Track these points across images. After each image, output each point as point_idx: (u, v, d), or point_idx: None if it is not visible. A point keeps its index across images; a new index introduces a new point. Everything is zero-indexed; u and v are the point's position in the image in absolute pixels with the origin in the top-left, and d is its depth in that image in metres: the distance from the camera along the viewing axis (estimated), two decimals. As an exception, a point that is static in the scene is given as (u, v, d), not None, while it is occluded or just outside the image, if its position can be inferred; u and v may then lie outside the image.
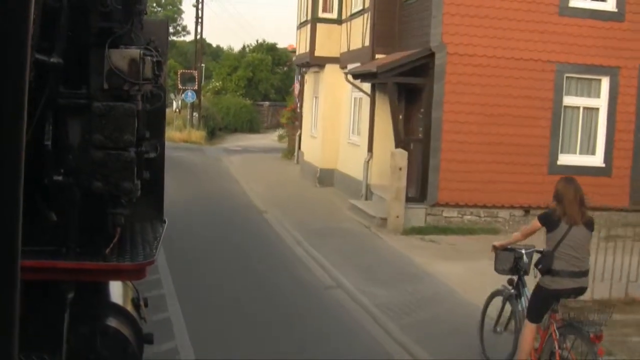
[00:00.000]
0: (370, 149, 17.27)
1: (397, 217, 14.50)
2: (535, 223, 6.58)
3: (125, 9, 2.91)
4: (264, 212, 16.75)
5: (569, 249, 6.24)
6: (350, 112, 19.60)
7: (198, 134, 38.48)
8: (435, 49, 14.83)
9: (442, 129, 14.96)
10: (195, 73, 39.83)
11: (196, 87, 39.78)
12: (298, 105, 32.11)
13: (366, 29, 17.91)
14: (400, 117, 15.80)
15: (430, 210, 15.06)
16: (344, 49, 20.11)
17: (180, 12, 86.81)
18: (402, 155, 14.46)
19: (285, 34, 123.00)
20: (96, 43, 2.84)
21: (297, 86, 34.58)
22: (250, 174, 23.68)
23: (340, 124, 20.54)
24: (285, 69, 63.91)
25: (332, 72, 20.63)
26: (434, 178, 15.00)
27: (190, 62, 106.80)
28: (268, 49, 63.28)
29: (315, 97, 22.53)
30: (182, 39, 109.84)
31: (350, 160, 19.21)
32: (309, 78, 24.99)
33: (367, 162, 17.24)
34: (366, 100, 17.89)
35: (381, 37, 17.07)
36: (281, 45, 64.82)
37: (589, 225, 6.42)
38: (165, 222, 3.88)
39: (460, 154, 14.94)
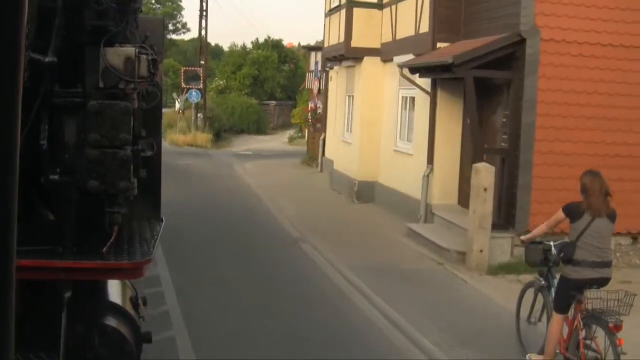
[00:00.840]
0: (430, 160, 13.80)
1: (481, 251, 11.07)
2: (560, 214, 6.64)
3: (120, 8, 2.85)
4: (300, 241, 13.27)
5: (591, 239, 6.32)
6: (397, 113, 16.15)
7: (204, 137, 34.98)
8: (525, 34, 11.36)
9: (535, 138, 11.53)
10: (200, 70, 36.33)
11: (201, 86, 36.27)
12: (318, 105, 28.74)
13: (421, 12, 14.46)
14: (475, 121, 12.34)
15: (518, 240, 11.63)
16: (387, 38, 16.67)
17: (179, 8, 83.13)
18: (488, 172, 11.00)
19: (290, 31, 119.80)
20: (91, 41, 2.80)
21: (316, 84, 31.15)
22: (270, 185, 20.24)
23: (382, 128, 17.11)
24: (291, 66, 60.48)
25: (371, 66, 17.18)
26: (523, 200, 11.54)
27: (190, 60, 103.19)
28: (273, 46, 59.79)
29: (349, 96, 19.02)
30: (181, 37, 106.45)
31: (397, 172, 15.79)
32: (337, 74, 21.56)
33: (426, 176, 13.78)
34: (422, 100, 14.45)
35: (445, 21, 13.63)
36: (287, 42, 61.72)
37: (612, 217, 6.52)
38: (162, 220, 3.84)
39: (557, 170, 11.52)
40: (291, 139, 41.81)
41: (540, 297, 7.14)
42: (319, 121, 25.52)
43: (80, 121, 2.84)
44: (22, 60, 0.97)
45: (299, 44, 62.77)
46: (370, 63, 17.20)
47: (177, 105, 39.73)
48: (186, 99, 36.34)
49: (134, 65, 2.81)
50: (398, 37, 15.96)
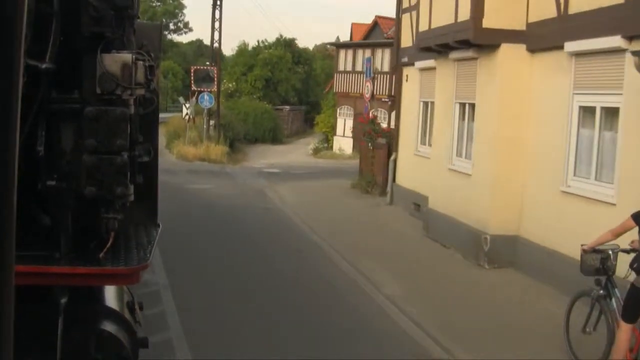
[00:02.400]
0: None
1: None
2: (629, 222, 6.36)
3: (117, 14, 2.79)
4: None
5: None
6: (568, 133, 9.87)
7: (218, 150, 28.59)
8: None
9: None
10: (214, 70, 29.93)
11: (215, 88, 29.90)
12: (370, 112, 22.56)
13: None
14: None
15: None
16: (544, 14, 10.44)
17: (181, 6, 76.60)
18: None
19: (298, 32, 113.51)
20: (88, 48, 2.77)
21: (368, 86, 24.85)
22: (334, 230, 13.92)
23: (532, 155, 10.83)
24: (305, 67, 54.15)
25: (514, 58, 10.89)
26: None
27: (191, 63, 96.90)
28: (286, 45, 53.48)
29: (463, 105, 12.59)
30: (182, 37, 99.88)
31: (568, 225, 9.54)
32: (421, 73, 15.35)
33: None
34: (637, 113, 8.24)
35: None
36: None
37: None
38: (159, 226, 3.69)
39: None
40: (316, 151, 35.52)
41: (597, 306, 6.84)
42: (380, 135, 19.21)
43: (77, 127, 2.77)
44: (21, 67, 0.97)
45: (315, 45, 56.57)
46: (510, 53, 10.89)
47: (185, 111, 33.38)
48: (196, 104, 29.99)
49: (131, 72, 2.75)
50: (573, 10, 9.69)
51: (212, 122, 31.65)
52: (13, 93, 0.94)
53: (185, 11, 77.91)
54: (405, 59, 16.41)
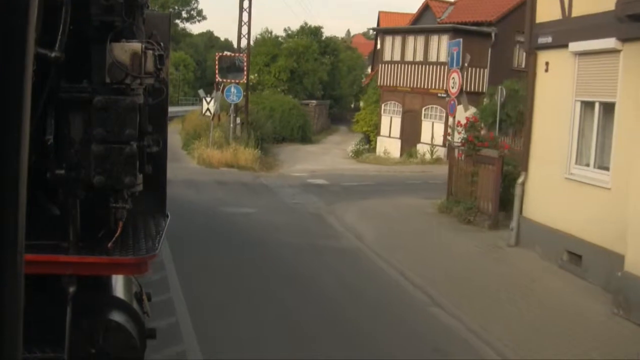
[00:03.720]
0: None
1: None
2: None
3: (126, 3, 2.75)
4: None
5: None
6: None
7: (248, 154, 23.40)
8: None
9: None
10: (243, 58, 24.65)
11: (245, 79, 24.70)
12: (454, 110, 17.48)
13: None
14: None
15: None
16: None
17: (194, -7, 71.33)
18: None
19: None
20: (98, 37, 2.74)
21: (456, 77, 19.67)
22: (469, 300, 8.68)
23: None
24: (331, 58, 48.86)
25: None
26: None
27: (201, 55, 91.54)
28: (311, 33, 48.23)
29: None
30: (195, 25, 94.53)
31: None
32: (587, 59, 10.15)
33: None
34: None
35: None
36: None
37: None
38: (168, 216, 3.62)
39: None
40: (357, 153, 30.31)
41: None
42: (486, 144, 13.97)
43: (86, 117, 2.74)
44: (31, 55, 0.96)
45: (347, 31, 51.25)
46: None
47: (206, 105, 28.20)
48: (221, 98, 24.78)
49: (140, 61, 2.71)
50: None
51: (238, 120, 26.49)
52: (23, 82, 0.94)
53: (198, -2, 72.50)
54: (546, 39, 11.17)
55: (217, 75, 24.79)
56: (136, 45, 2.77)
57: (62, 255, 2.79)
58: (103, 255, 2.83)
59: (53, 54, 2.52)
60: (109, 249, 2.84)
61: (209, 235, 12.31)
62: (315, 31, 48.20)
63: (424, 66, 28.20)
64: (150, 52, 2.81)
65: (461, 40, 21.99)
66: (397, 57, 29.49)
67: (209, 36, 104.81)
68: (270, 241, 12.15)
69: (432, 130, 28.09)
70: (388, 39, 29.91)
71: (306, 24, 48.40)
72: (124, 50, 2.75)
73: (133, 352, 3.05)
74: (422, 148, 28.10)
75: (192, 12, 69.35)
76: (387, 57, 29.99)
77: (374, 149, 30.95)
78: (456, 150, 15.14)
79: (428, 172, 24.88)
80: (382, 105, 30.44)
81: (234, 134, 24.95)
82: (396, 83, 29.55)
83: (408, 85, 28.99)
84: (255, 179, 21.12)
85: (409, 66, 28.81)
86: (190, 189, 17.74)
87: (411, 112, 29.06)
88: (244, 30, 25.97)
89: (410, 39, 28.85)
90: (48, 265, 2.73)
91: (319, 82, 44.96)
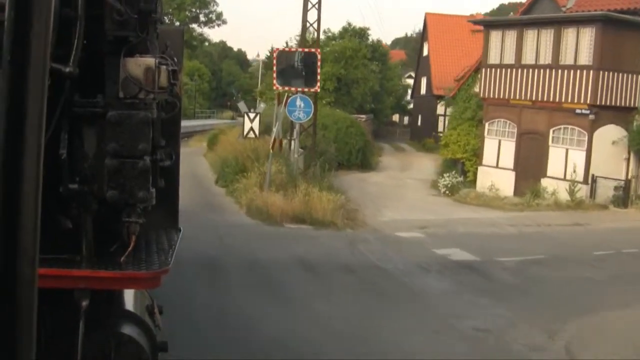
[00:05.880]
0: None
1: None
2: None
3: (140, 18, 2.69)
4: None
5: None
6: None
7: (326, 201, 14.93)
8: None
9: None
10: (317, 55, 16.13)
11: (316, 87, 16.23)
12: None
13: None
14: None
15: None
16: None
17: (213, -6, 63.01)
18: None
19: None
20: (111, 52, 2.69)
21: None
22: None
23: None
24: (379, 65, 40.47)
25: None
26: None
27: (216, 65, 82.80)
28: (357, 36, 39.91)
29: None
30: (214, 30, 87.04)
31: None
32: None
33: None
34: None
35: None
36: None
37: None
38: (180, 230, 3.58)
39: None
40: (452, 189, 21.81)
41: None
42: None
43: (99, 131, 2.68)
44: (47, 71, 0.96)
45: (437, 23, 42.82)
46: None
47: (249, 124, 19.96)
48: (282, 113, 16.34)
49: (153, 76, 2.65)
50: None
51: (291, 143, 18.07)
52: (40, 97, 0.94)
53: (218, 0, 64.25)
54: None
55: (275, 82, 16.42)
56: (150, 60, 2.66)
57: (74, 269, 2.66)
58: (116, 269, 2.70)
59: (67, 69, 2.46)
60: (121, 263, 2.70)
61: None
62: (362, 33, 39.88)
63: (553, 71, 19.78)
64: (164, 67, 2.70)
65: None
66: (509, 59, 21.05)
67: (222, 46, 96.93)
68: None
69: (566, 159, 19.64)
70: (495, 36, 21.46)
71: (349, 24, 40.08)
72: (137, 65, 2.64)
73: None
74: (550, 184, 19.65)
75: (210, 15, 61.00)
76: (493, 58, 21.54)
77: (472, 182, 22.48)
78: None
79: (588, 225, 16.46)
80: (486, 125, 21.96)
81: (297, 166, 16.47)
82: (508, 94, 21.11)
83: (527, 97, 20.57)
84: (353, 249, 12.64)
85: (530, 71, 20.40)
86: (255, 291, 9.38)
87: (532, 135, 20.61)
88: (311, 16, 17.57)
89: (532, 34, 20.43)
90: (61, 279, 2.61)
91: (370, 92, 36.65)
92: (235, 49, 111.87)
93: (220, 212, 15.40)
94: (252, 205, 15.12)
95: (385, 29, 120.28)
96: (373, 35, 57.70)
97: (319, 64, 16.02)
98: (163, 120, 3.04)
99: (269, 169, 15.53)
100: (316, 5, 17.01)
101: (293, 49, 17.65)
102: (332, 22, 67.48)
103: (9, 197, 0.96)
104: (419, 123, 49.23)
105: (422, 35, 50.67)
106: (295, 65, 16.10)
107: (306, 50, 16.77)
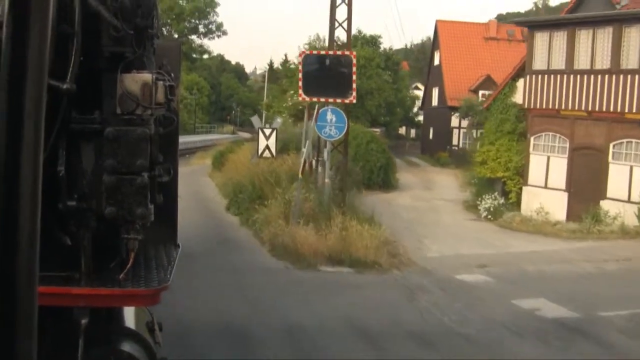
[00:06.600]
0: None
1: None
2: None
3: (137, 34, 2.67)
4: None
5: None
6: None
7: (367, 235, 12.19)
8: None
9: None
10: (352, 58, 13.44)
11: (352, 97, 13.53)
12: None
13: None
14: None
15: None
16: None
17: (213, 4, 60.50)
18: None
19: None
20: (108, 68, 2.66)
21: None
22: None
23: None
24: (392, 74, 37.84)
25: None
26: None
27: (215, 78, 79.94)
28: (367, 44, 37.31)
29: None
30: (214, 41, 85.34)
31: None
32: None
33: None
34: None
35: None
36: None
37: None
38: (179, 246, 3.47)
39: None
40: (495, 213, 19.07)
41: None
42: None
43: (97, 147, 2.66)
44: (45, 88, 0.97)
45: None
46: None
47: (264, 141, 17.33)
48: (310, 128, 13.62)
49: (151, 92, 2.61)
50: None
51: (318, 165, 15.33)
52: (38, 113, 0.95)
53: (218, 10, 61.71)
54: None
55: (300, 91, 13.69)
56: (147, 76, 2.63)
57: (73, 286, 2.63)
58: (115, 286, 2.66)
59: (65, 86, 2.45)
60: (120, 280, 2.66)
61: None
62: (373, 41, 37.31)
63: (613, 76, 17.12)
64: (161, 82, 2.66)
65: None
66: (559, 64, 18.39)
67: (220, 59, 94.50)
68: None
69: (631, 178, 16.94)
70: (541, 38, 18.79)
71: (360, 32, 37.48)
72: (134, 81, 2.62)
73: None
74: (612, 207, 16.92)
75: (210, 25, 58.41)
76: (539, 64, 18.86)
77: (515, 204, 19.72)
78: None
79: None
80: (532, 139, 19.23)
81: (328, 191, 13.68)
82: (558, 104, 18.43)
83: (581, 108, 17.89)
84: (413, 303, 9.85)
85: (584, 77, 17.74)
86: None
87: (587, 150, 17.91)
88: (340, 14, 14.89)
89: (585, 35, 17.78)
90: (60, 297, 2.58)
91: (384, 103, 34.02)
92: (233, 62, 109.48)
93: (239, 250, 12.63)
94: (276, 242, 12.35)
95: (385, 41, 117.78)
96: (385, 44, 54.99)
97: (354, 69, 13.29)
98: (161, 136, 2.94)
99: (297, 198, 12.74)
100: (346, 0, 14.32)
101: (324, 52, 15.00)
102: (340, 31, 65.40)
103: (7, 214, 0.96)
104: (431, 136, 46.58)
105: (433, 44, 48.15)
106: (325, 71, 13.37)
107: (339, 52, 14.04)
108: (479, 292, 10.72)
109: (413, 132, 61.95)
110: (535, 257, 13.73)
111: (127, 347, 2.93)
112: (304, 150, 13.45)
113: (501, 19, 60.78)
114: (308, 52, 15.38)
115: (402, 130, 59.96)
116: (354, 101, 14.27)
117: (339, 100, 13.57)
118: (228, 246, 12.91)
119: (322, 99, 13.69)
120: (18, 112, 0.94)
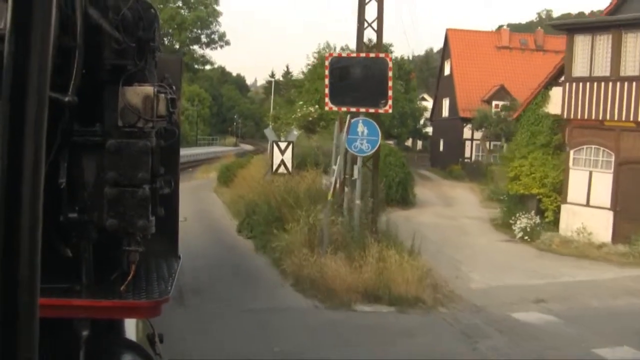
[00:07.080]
0: None
1: None
2: None
3: (138, 47, 2.61)
4: None
5: None
6: None
7: (407, 268, 10.43)
8: None
9: None
10: (387, 61, 11.81)
11: (388, 107, 11.87)
12: None
13: None
14: None
15: None
16: None
17: (215, 13, 58.96)
18: None
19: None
20: (110, 80, 2.59)
21: None
22: None
23: None
24: (404, 85, 36.18)
25: None
26: None
27: (216, 89, 78.12)
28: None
29: None
30: (217, 52, 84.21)
31: None
32: None
33: None
34: None
35: None
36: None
37: None
38: (180, 257, 3.38)
39: None
40: (532, 234, 17.32)
41: None
42: None
43: (98, 160, 2.59)
44: (46, 101, 0.96)
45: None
46: None
47: (279, 156, 15.71)
48: (342, 143, 11.93)
49: (152, 104, 2.55)
50: None
51: (343, 184, 13.58)
52: (39, 127, 0.94)
53: (220, 19, 60.12)
54: None
55: (327, 100, 12.01)
56: (148, 89, 2.57)
57: (74, 298, 2.56)
58: (116, 298, 2.59)
59: (67, 99, 2.40)
60: (122, 292, 2.59)
61: None
62: (385, 50, 35.55)
63: (665, 84, 15.42)
64: (163, 95, 2.60)
65: None
66: (602, 70, 16.71)
67: (220, 71, 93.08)
68: None
69: (687, 196, 15.21)
70: (582, 42, 17.11)
71: (370, 40, 35.75)
72: (136, 93, 2.55)
73: None
74: (665, 228, 15.17)
75: (212, 35, 56.86)
76: (580, 70, 17.17)
77: (552, 223, 17.96)
78: None
79: None
80: (571, 153, 17.50)
81: (359, 213, 11.91)
82: (602, 114, 16.72)
83: (628, 118, 16.19)
84: (472, 352, 8.11)
85: (631, 84, 16.06)
86: None
87: (636, 165, 16.19)
88: (370, 12, 13.25)
89: (633, 39, 16.12)
90: (61, 309, 2.53)
91: (398, 115, 32.33)
92: (234, 74, 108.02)
93: (258, 284, 10.85)
94: (302, 275, 10.58)
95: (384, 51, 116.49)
96: (396, 52, 53.41)
97: (390, 73, 11.62)
98: (162, 148, 2.87)
99: (325, 224, 10.96)
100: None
101: (351, 54, 13.33)
102: (351, 40, 63.76)
103: (9, 227, 0.95)
104: (441, 148, 44.90)
105: (443, 53, 46.61)
106: (356, 76, 11.68)
107: (372, 55, 12.39)
108: (546, 336, 8.95)
109: (419, 144, 60.36)
110: (595, 288, 11.97)
111: (128, 359, 2.91)
112: (334, 167, 11.72)
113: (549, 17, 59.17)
114: (336, 55, 13.66)
115: (409, 142, 58.34)
116: (390, 110, 12.57)
117: (371, 110, 11.87)
118: (242, 279, 11.15)
119: (352, 109, 11.98)
120: (20, 125, 0.93)
